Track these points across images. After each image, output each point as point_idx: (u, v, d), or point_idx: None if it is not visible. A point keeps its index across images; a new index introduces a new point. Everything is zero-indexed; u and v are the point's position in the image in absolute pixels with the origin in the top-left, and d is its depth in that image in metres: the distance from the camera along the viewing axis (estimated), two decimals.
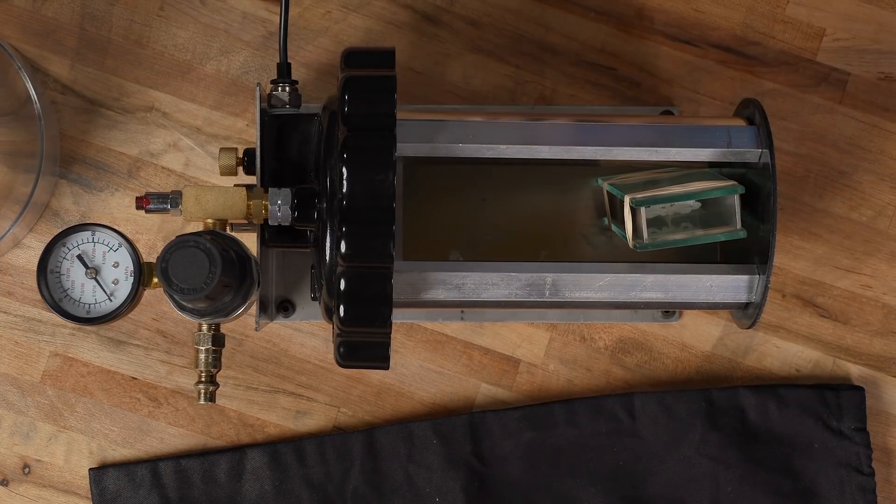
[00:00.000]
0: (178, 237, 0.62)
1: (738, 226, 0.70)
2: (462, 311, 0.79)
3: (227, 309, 0.65)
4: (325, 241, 0.65)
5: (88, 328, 0.80)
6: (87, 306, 0.65)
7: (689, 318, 0.81)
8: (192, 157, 0.81)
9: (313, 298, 0.71)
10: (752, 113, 0.72)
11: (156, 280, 0.65)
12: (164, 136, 0.81)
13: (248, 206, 0.66)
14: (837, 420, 0.80)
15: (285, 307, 0.77)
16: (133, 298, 0.65)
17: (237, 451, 0.80)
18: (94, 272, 0.65)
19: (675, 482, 0.80)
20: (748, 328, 0.72)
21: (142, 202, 0.67)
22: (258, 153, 0.69)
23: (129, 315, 0.67)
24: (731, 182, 0.70)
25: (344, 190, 0.63)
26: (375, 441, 0.80)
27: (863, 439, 0.80)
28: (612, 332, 0.81)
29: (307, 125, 0.70)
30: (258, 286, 0.67)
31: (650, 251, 0.71)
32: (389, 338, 0.66)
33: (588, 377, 0.81)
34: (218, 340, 0.67)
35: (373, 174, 0.63)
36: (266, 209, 0.66)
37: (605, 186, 0.73)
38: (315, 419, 0.81)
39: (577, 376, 0.81)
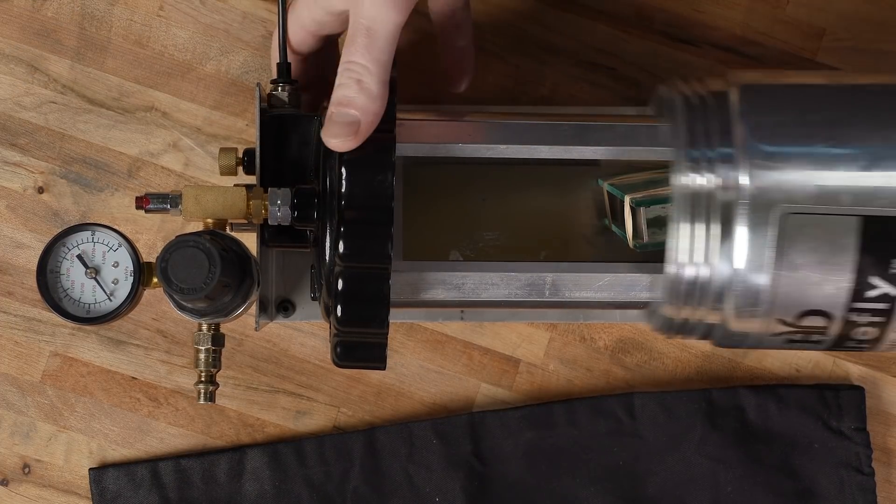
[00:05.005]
0: (177, 237, 0.62)
1: None
2: (462, 311, 0.79)
3: (226, 309, 0.65)
4: (325, 242, 0.65)
5: (88, 328, 0.80)
6: (86, 306, 0.65)
7: None
8: (192, 156, 0.81)
9: (313, 298, 0.71)
10: None
11: (156, 280, 0.65)
12: (164, 136, 0.81)
13: (248, 205, 0.66)
14: (837, 420, 0.80)
15: (285, 307, 0.77)
16: (133, 298, 0.65)
17: (237, 451, 0.80)
18: (93, 272, 0.65)
19: (675, 482, 0.80)
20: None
21: (141, 202, 0.67)
22: (258, 153, 0.69)
23: (129, 315, 0.67)
24: None
25: (343, 190, 0.63)
26: (375, 441, 0.80)
27: (863, 439, 0.80)
28: (612, 332, 0.81)
29: (307, 125, 0.70)
30: (258, 286, 0.67)
31: (650, 251, 0.71)
32: (386, 338, 0.66)
33: (588, 377, 0.81)
34: (218, 340, 0.67)
35: (372, 174, 0.63)
36: (266, 209, 0.66)
37: (605, 186, 0.73)
38: (315, 419, 0.81)
39: (577, 376, 0.81)
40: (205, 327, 0.67)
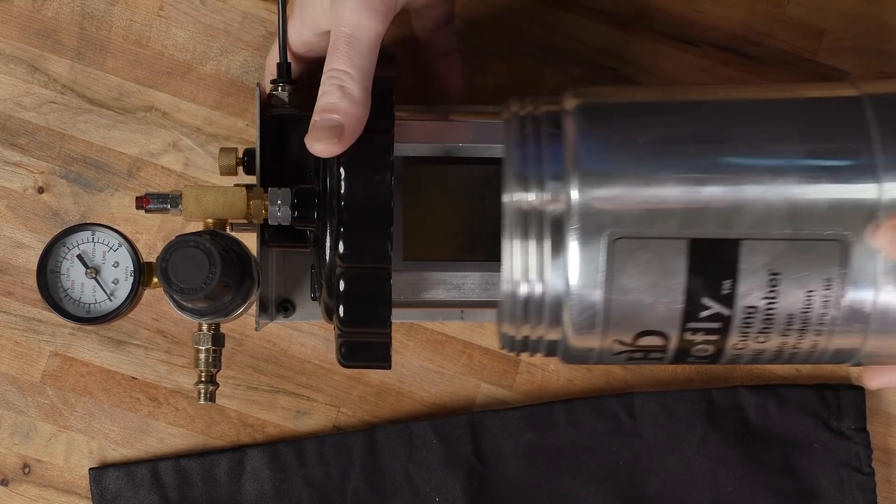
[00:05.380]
0: (177, 237, 0.62)
1: None
2: (462, 311, 0.78)
3: (226, 309, 0.65)
4: (325, 242, 0.65)
5: (88, 328, 0.80)
6: (86, 306, 0.65)
7: None
8: (192, 156, 0.81)
9: (313, 298, 0.71)
10: None
11: (156, 280, 0.65)
12: (164, 136, 0.81)
13: (248, 205, 0.66)
14: (837, 420, 0.80)
15: (285, 307, 0.77)
16: (133, 298, 0.65)
17: (237, 451, 0.80)
18: (93, 272, 0.65)
19: (675, 482, 0.80)
20: None
21: (141, 202, 0.67)
22: (258, 153, 0.69)
23: (129, 315, 0.67)
24: None
25: (342, 191, 0.63)
26: (375, 441, 0.80)
27: (863, 439, 0.80)
28: None
29: (307, 125, 0.70)
30: (258, 286, 0.67)
31: None
32: (390, 338, 0.66)
33: (588, 377, 0.81)
34: (217, 340, 0.67)
35: (371, 175, 0.63)
36: (266, 209, 0.66)
37: None
38: (315, 419, 0.81)
39: (577, 376, 0.81)
40: (205, 327, 0.67)
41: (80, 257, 0.65)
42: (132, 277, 0.65)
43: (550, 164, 0.64)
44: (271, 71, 0.72)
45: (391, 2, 0.64)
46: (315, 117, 0.63)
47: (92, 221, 0.74)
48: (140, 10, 0.81)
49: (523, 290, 0.64)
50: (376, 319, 0.64)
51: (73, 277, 0.65)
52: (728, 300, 0.63)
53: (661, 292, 0.63)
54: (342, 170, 0.63)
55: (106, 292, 0.65)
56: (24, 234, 0.81)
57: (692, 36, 0.82)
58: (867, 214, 0.62)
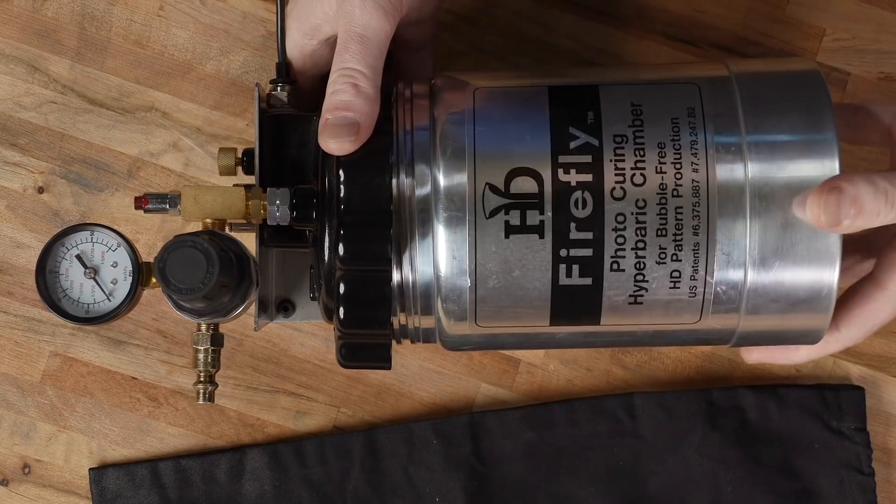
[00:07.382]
0: (175, 237, 0.62)
1: None
2: None
3: (225, 309, 0.65)
4: (324, 243, 0.65)
5: (88, 328, 0.80)
6: (85, 306, 0.65)
7: None
8: (192, 157, 0.81)
9: (313, 298, 0.71)
10: None
11: (154, 280, 0.65)
12: (164, 136, 0.81)
13: (247, 205, 0.66)
14: (837, 420, 0.80)
15: (285, 307, 0.77)
16: (132, 298, 0.65)
17: (237, 451, 0.80)
18: (92, 272, 0.65)
19: (675, 482, 0.80)
20: None
21: (140, 202, 0.67)
22: (257, 153, 0.69)
23: (128, 315, 0.68)
24: None
25: (341, 194, 0.63)
26: (375, 441, 0.80)
27: (863, 439, 0.80)
28: None
29: (306, 125, 0.70)
30: (257, 286, 0.67)
31: None
32: (390, 339, 0.66)
33: (588, 377, 0.81)
34: (216, 340, 0.67)
35: (370, 177, 0.63)
36: (265, 209, 0.66)
37: None
38: (315, 419, 0.81)
39: (577, 376, 0.81)
40: (203, 327, 0.67)
41: (78, 257, 0.65)
42: (131, 277, 0.65)
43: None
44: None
45: (398, 3, 0.65)
46: (327, 115, 0.63)
47: (91, 221, 0.74)
48: (140, 10, 0.81)
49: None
50: (376, 321, 0.64)
51: (72, 277, 0.65)
52: (595, 129, 0.63)
53: (526, 128, 0.64)
54: (341, 172, 0.63)
55: (105, 292, 0.65)
56: (23, 234, 0.81)
57: (692, 36, 0.82)
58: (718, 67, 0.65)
